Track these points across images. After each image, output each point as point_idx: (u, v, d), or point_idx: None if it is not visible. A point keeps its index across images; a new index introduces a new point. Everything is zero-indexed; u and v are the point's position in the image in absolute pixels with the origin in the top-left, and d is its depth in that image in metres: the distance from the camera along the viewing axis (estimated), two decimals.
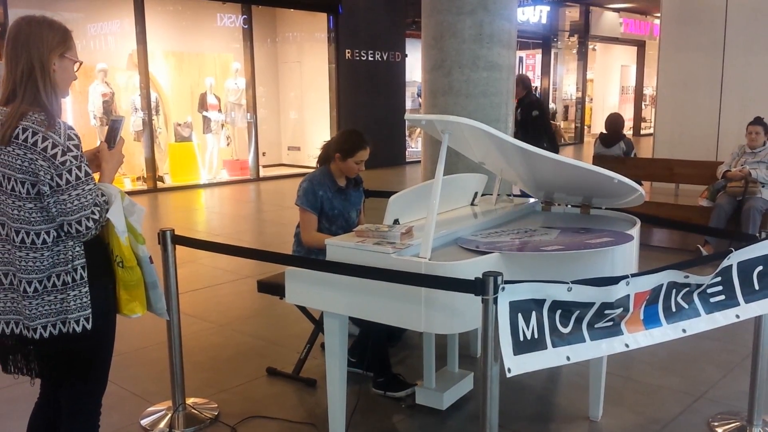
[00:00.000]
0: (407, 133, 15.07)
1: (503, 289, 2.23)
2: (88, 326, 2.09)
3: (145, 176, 11.27)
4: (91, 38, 11.50)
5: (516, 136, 6.40)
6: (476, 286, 2.24)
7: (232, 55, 13.03)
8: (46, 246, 2.03)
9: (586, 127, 21.29)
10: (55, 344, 2.08)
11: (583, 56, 20.39)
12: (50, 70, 2.03)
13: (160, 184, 11.45)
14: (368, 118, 13.36)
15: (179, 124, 12.27)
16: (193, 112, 12.43)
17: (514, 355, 2.27)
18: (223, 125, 12.69)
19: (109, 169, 2.22)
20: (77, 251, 2.07)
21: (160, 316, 2.44)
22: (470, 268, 2.49)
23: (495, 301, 2.22)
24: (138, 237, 2.24)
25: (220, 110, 12.49)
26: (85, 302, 2.08)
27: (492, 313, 2.23)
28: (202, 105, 12.33)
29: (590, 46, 21.02)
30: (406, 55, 14.63)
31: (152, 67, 11.31)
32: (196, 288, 5.53)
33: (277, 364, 3.85)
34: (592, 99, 22.25)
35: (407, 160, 14.76)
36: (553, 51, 20.11)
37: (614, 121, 7.63)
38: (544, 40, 19.38)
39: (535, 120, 7.18)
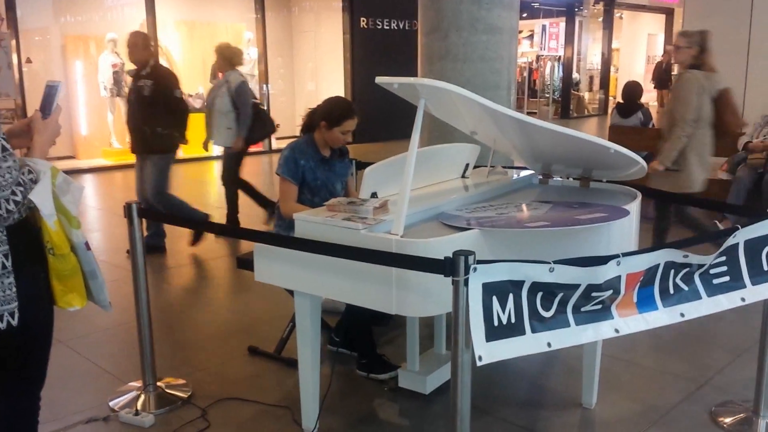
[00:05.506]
0: None
1: (475, 269, 2.03)
2: (14, 322, 1.84)
3: None
4: (102, 8, 11.35)
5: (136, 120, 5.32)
6: (446, 266, 2.04)
7: (245, 24, 12.80)
8: None
9: (611, 98, 20.75)
10: None
11: (608, 25, 19.78)
12: None
13: None
14: (383, 89, 13.01)
15: (190, 95, 12.09)
16: (204, 82, 12.22)
17: (487, 341, 2.07)
18: None
19: (41, 141, 1.95)
20: None
21: (103, 309, 2.19)
22: (445, 246, 2.28)
23: (466, 282, 2.02)
24: (72, 220, 1.98)
25: None
26: (9, 295, 1.83)
27: (463, 296, 2.03)
28: (214, 76, 12.10)
29: (616, 14, 20.37)
30: None
31: (163, 37, 11.13)
32: (186, 263, 5.38)
33: (260, 342, 3.70)
34: (618, 69, 21.64)
35: None
36: (577, 19, 19.51)
37: (631, 90, 7.29)
38: (567, 8, 18.79)
39: (177, 103, 5.53)
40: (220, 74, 6.53)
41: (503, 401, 3.11)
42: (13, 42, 9.80)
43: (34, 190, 1.84)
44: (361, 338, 3.36)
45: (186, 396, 3.14)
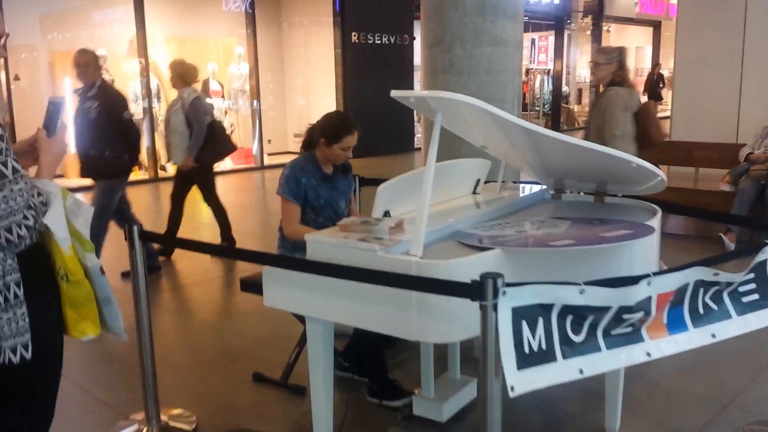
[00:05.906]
0: (416, 119, 14.67)
1: (504, 293, 1.91)
2: (27, 355, 1.71)
3: (147, 165, 11.01)
4: (90, 25, 11.23)
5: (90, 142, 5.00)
6: (473, 290, 1.93)
7: (235, 39, 12.70)
8: None
9: None
10: None
11: (597, 38, 19.86)
12: None
13: (161, 173, 11.18)
14: (375, 103, 12.94)
15: None
16: None
17: (518, 369, 1.95)
18: (226, 112, 12.38)
19: (48, 161, 1.84)
20: (9, 265, 1.67)
21: (118, 337, 2.06)
22: (467, 267, 2.17)
23: (495, 307, 1.90)
24: (85, 244, 1.88)
25: (223, 96, 12.17)
26: (22, 326, 1.69)
27: (492, 322, 1.91)
28: (205, 91, 12.01)
29: (604, 28, 20.47)
30: (414, 38, 14.22)
31: (154, 53, 11.01)
32: (186, 283, 5.23)
33: (265, 367, 3.55)
34: None
35: (416, 147, 14.39)
36: (566, 32, 19.58)
37: None
38: (556, 22, 18.85)
39: (126, 125, 5.19)
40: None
41: (525, 427, 2.98)
42: (1, 59, 9.66)
43: (48, 214, 1.73)
44: (371, 363, 3.22)
45: (191, 429, 2.99)
